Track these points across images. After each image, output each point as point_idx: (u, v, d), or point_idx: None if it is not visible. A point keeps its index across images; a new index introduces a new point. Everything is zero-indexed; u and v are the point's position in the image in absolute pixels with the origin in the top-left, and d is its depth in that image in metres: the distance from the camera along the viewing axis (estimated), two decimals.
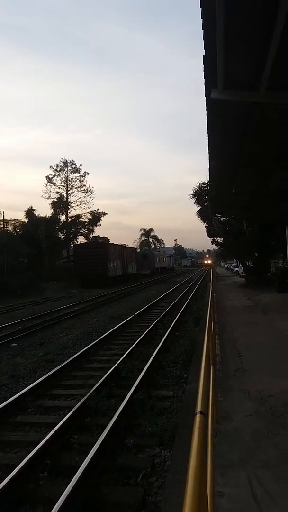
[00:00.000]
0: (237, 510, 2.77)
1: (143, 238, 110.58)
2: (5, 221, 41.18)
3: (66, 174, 53.52)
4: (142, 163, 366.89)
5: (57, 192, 53.04)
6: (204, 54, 5.36)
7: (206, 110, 6.98)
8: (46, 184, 52.80)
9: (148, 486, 3.86)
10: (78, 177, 53.80)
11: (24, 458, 4.10)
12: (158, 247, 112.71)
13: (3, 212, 40.60)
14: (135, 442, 4.74)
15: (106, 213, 56.83)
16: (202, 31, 4.88)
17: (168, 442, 4.58)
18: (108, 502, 3.62)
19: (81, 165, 54.07)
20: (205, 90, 6.26)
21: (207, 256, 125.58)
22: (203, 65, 5.67)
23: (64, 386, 7.18)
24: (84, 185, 53.91)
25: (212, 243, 32.45)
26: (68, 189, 53.48)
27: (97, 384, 6.55)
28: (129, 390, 6.09)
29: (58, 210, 52.75)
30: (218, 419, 4.20)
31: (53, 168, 53.08)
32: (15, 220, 46.54)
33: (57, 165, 53.15)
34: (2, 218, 40.40)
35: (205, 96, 6.39)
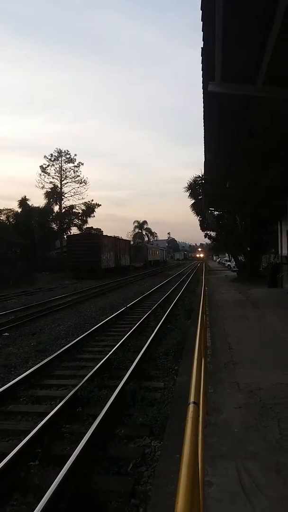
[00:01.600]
0: (225, 499, 2.82)
1: (136, 230, 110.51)
2: None
3: (60, 164, 53.24)
4: (137, 155, 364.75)
5: (51, 182, 52.78)
6: (202, 47, 5.33)
7: (203, 102, 6.96)
8: (40, 174, 52.54)
9: (138, 475, 3.90)
10: (72, 167, 53.57)
11: (16, 446, 4.12)
12: (151, 240, 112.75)
13: None
14: (126, 432, 4.78)
15: (100, 205, 56.72)
16: (201, 22, 4.84)
17: (159, 433, 4.63)
18: (99, 491, 3.65)
19: (75, 155, 53.83)
20: (203, 83, 6.24)
21: (199, 249, 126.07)
22: (201, 58, 5.65)
23: (56, 376, 7.20)
24: (78, 176, 53.72)
25: (205, 237, 32.59)
26: (62, 179, 53.21)
27: (89, 374, 6.58)
28: (120, 381, 6.13)
29: (51, 200, 52.52)
30: (209, 411, 4.26)
31: (47, 158, 52.77)
32: (8, 209, 46.20)
33: (51, 154, 52.85)
34: None
35: (203, 88, 6.37)
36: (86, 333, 10.24)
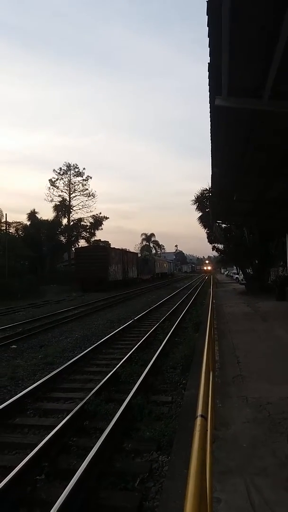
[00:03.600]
0: None
1: (144, 243, 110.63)
2: (7, 223, 41.30)
3: (69, 178, 53.86)
4: (144, 168, 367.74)
5: (59, 196, 53.34)
6: (209, 62, 5.40)
7: (210, 116, 7.01)
8: (49, 187, 53.11)
9: (146, 491, 3.85)
10: (81, 181, 54.16)
11: (22, 460, 4.09)
12: (159, 252, 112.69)
13: (5, 214, 40.63)
14: (133, 447, 4.73)
15: (108, 217, 57.07)
16: (208, 38, 4.92)
17: (166, 447, 4.57)
18: (105, 506, 3.61)
19: (84, 169, 54.44)
20: (209, 97, 6.29)
21: (207, 262, 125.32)
22: (208, 73, 5.71)
23: (63, 389, 7.17)
24: (87, 189, 54.24)
25: (213, 249, 32.54)
26: (71, 192, 53.73)
27: (96, 387, 6.55)
28: (128, 395, 6.09)
29: (60, 213, 53.01)
30: (217, 425, 4.20)
31: (56, 172, 53.43)
32: (17, 222, 46.79)
33: (60, 168, 53.50)
34: (4, 220, 40.53)
35: (209, 102, 6.42)
36: (93, 346, 10.22)
